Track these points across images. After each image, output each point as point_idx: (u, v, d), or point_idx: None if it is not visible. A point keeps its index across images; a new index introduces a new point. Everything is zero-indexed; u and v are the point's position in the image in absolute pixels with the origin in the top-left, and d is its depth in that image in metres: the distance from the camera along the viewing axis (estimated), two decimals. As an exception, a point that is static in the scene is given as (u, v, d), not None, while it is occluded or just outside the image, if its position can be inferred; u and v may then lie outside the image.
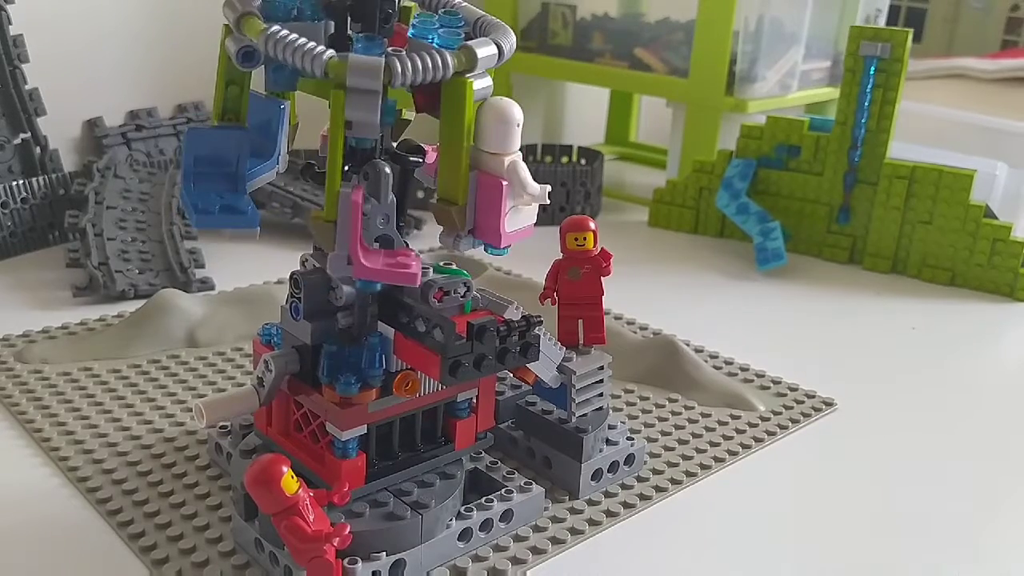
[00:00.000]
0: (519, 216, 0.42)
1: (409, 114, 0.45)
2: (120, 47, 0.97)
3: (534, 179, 0.42)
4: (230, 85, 0.41)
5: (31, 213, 0.87)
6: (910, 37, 0.91)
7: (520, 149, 0.43)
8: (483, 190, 0.41)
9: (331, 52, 0.36)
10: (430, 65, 0.37)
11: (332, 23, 0.41)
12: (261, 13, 0.39)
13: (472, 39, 0.40)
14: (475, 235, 0.42)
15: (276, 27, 0.37)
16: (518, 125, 0.41)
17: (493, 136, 0.40)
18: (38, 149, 0.91)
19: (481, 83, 0.40)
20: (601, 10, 1.16)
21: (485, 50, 0.39)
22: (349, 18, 0.41)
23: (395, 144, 0.45)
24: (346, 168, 0.43)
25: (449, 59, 0.38)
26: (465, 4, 0.43)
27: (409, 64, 0.37)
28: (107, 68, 0.98)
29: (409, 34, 0.41)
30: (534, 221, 0.44)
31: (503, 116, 0.40)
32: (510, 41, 0.41)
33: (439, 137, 0.42)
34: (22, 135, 0.90)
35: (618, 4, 1.17)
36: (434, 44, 0.40)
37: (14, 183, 0.86)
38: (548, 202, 0.43)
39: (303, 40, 0.36)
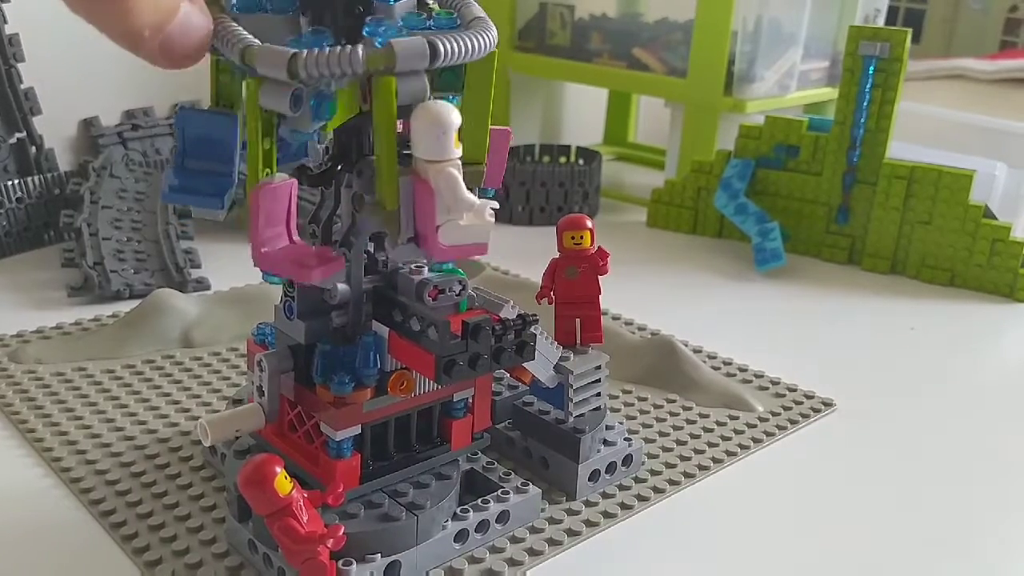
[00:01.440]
0: (463, 232, 0.38)
1: None
2: (116, 47, 0.97)
3: (473, 193, 0.39)
4: (221, 74, 0.41)
5: (26, 213, 0.86)
6: (909, 37, 0.90)
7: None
8: (418, 197, 0.38)
9: (251, 42, 0.36)
10: (337, 58, 0.35)
11: (308, 17, 0.41)
12: (230, 7, 0.39)
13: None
14: (417, 243, 0.39)
15: (224, 18, 0.37)
16: (445, 132, 0.37)
17: (423, 141, 0.38)
18: (33, 148, 0.91)
19: (409, 84, 0.37)
20: (599, 10, 1.16)
21: (408, 48, 0.36)
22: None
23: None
24: (338, 168, 0.43)
25: (360, 53, 0.35)
26: (469, 2, 0.42)
27: (316, 55, 0.35)
28: (103, 67, 0.97)
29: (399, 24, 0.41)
30: (484, 240, 0.39)
31: (430, 121, 0.37)
32: (462, 43, 0.37)
33: (463, 112, 0.39)
34: (17, 134, 0.90)
35: (616, 4, 1.17)
36: (431, 27, 0.39)
37: (9, 182, 0.85)
38: (492, 219, 0.39)
39: (233, 30, 0.36)
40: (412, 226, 0.39)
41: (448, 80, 0.41)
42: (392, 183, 0.38)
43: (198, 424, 0.43)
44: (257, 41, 0.36)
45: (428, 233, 0.38)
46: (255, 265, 0.40)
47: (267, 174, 0.39)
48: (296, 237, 0.40)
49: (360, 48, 0.36)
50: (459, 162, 0.38)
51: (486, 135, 0.42)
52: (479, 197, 0.39)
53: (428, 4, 0.41)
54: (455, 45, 0.37)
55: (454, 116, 0.37)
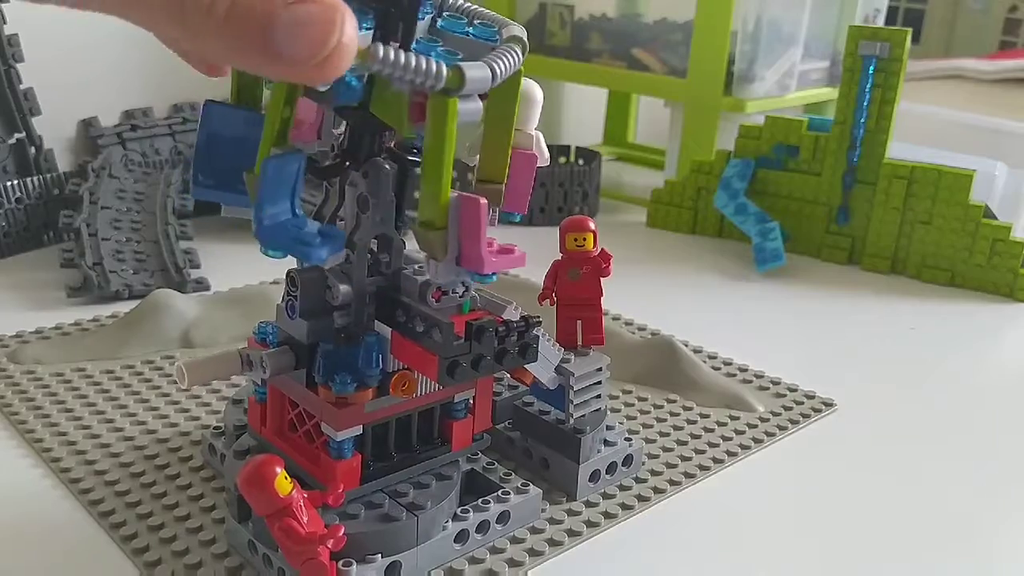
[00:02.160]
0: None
1: None
2: (115, 47, 0.97)
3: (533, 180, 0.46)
4: (285, 107, 0.40)
5: (25, 213, 0.86)
6: (909, 37, 0.90)
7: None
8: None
9: (446, 65, 0.35)
10: (513, 63, 0.38)
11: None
12: None
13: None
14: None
15: (379, 45, 0.35)
16: (539, 103, 0.45)
17: (531, 115, 0.45)
18: (33, 149, 0.91)
19: (467, 105, 0.37)
20: (599, 10, 1.16)
21: (476, 73, 0.36)
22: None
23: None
24: (346, 165, 0.42)
25: (445, 70, 0.35)
26: (499, 17, 0.42)
27: (502, 64, 0.37)
28: (102, 68, 0.97)
29: (439, 25, 0.42)
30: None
31: (529, 96, 0.44)
32: (508, 61, 0.38)
33: (422, 155, 0.39)
34: (17, 135, 0.90)
35: (616, 4, 1.17)
36: (470, 35, 0.40)
37: (9, 183, 0.85)
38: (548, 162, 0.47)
39: (412, 55, 0.35)
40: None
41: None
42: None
43: (175, 368, 0.43)
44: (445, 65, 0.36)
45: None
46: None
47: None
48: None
49: (444, 65, 0.35)
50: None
51: (506, 154, 0.43)
52: (501, 221, 0.44)
53: (442, 16, 0.42)
54: (506, 65, 0.38)
55: (539, 90, 0.45)
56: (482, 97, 0.39)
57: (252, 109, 0.41)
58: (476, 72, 0.36)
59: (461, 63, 0.36)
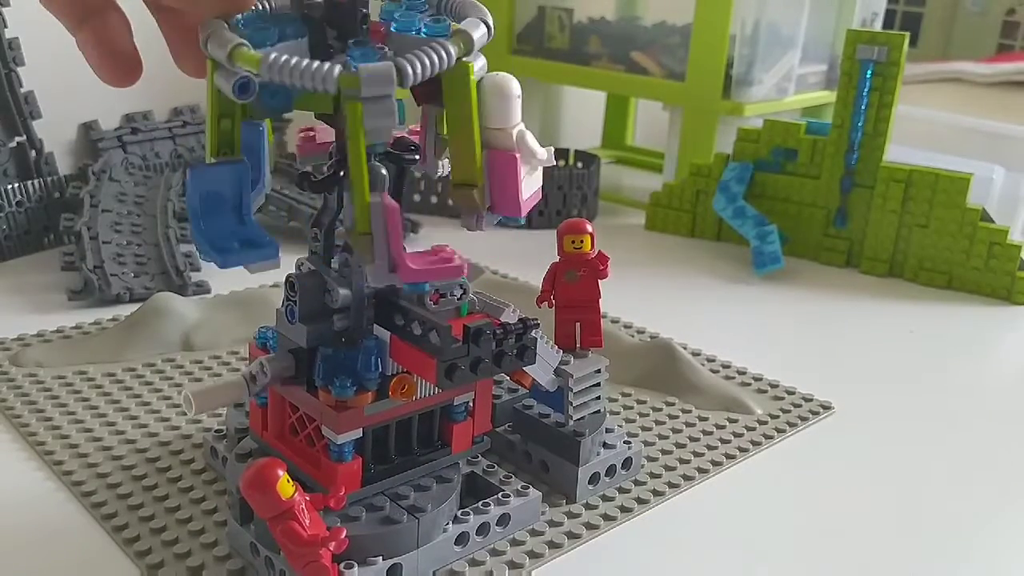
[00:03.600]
0: (530, 183, 0.43)
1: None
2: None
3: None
4: (222, 119, 0.40)
5: (26, 216, 0.86)
6: (906, 40, 0.91)
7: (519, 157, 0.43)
8: (497, 166, 0.41)
9: (339, 67, 0.36)
10: (436, 60, 0.37)
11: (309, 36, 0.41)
12: (249, 42, 0.38)
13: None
14: (493, 210, 0.42)
15: (272, 52, 0.36)
16: (518, 97, 0.41)
17: (496, 112, 0.41)
18: (33, 152, 0.91)
19: (478, 64, 0.40)
20: (598, 14, 1.16)
21: (478, 32, 0.39)
22: (327, 27, 0.41)
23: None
24: (340, 173, 0.43)
25: (452, 49, 0.37)
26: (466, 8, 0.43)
27: (418, 63, 0.36)
28: (103, 71, 0.97)
29: (392, 28, 0.41)
30: (540, 184, 0.44)
31: (503, 91, 0.41)
32: (489, 16, 0.41)
33: (447, 125, 0.42)
34: (17, 138, 0.90)
35: (615, 8, 1.17)
36: (423, 34, 0.40)
37: (9, 186, 0.85)
38: (554, 163, 0.44)
39: (306, 61, 0.36)
40: (489, 196, 0.41)
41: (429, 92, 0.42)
42: (480, 161, 0.41)
43: (183, 396, 0.44)
44: (339, 66, 0.36)
45: (508, 195, 0.41)
46: (403, 280, 0.39)
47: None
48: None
49: (449, 43, 0.37)
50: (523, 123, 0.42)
51: (472, 154, 0.41)
52: (494, 224, 0.43)
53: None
54: (422, 65, 0.37)
55: (515, 85, 0.41)
56: (418, 97, 0.42)
57: (235, 160, 0.41)
58: (376, 72, 0.36)
59: (461, 28, 0.37)
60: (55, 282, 0.79)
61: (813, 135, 0.96)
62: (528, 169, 0.42)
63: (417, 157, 0.45)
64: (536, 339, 0.45)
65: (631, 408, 0.63)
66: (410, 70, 0.36)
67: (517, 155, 0.41)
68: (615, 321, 0.77)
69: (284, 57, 0.36)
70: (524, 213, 0.43)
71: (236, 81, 0.37)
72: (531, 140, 0.42)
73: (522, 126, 0.42)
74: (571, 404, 0.52)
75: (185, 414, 0.59)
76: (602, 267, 0.54)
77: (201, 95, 0.42)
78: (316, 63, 0.35)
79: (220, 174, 0.40)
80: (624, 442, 0.55)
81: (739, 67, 1.03)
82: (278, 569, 0.42)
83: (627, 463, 0.54)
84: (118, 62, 0.40)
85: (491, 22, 0.40)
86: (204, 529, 0.47)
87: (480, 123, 0.41)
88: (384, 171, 0.42)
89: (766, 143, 0.98)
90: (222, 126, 0.40)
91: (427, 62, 0.37)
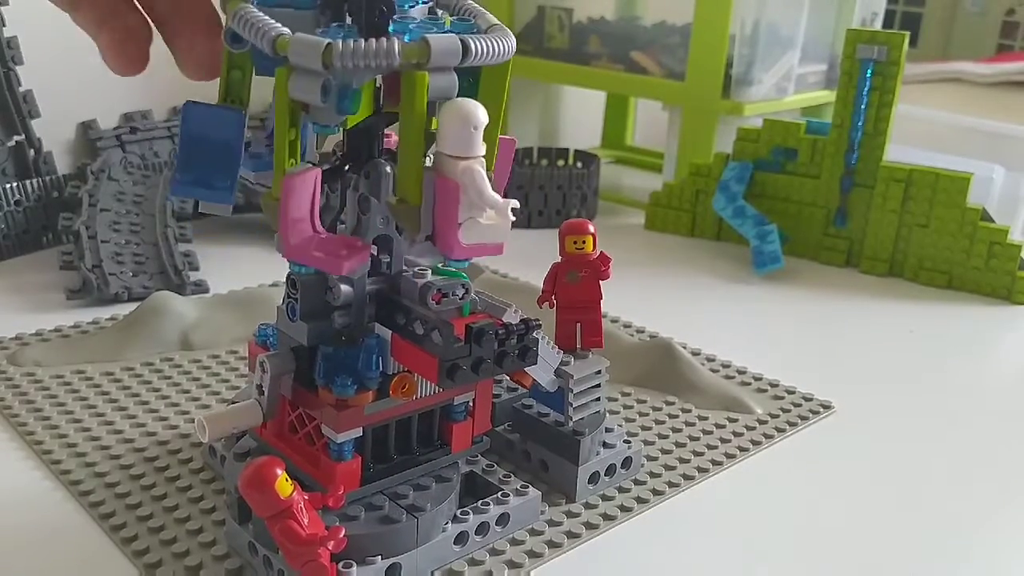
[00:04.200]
0: (483, 230, 0.39)
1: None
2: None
3: (507, 188, 0.41)
4: (232, 70, 0.41)
5: (25, 215, 0.86)
6: (906, 40, 0.91)
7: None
8: (440, 194, 0.39)
9: (283, 30, 0.36)
10: (374, 50, 0.35)
11: (328, 15, 0.41)
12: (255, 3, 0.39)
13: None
14: (433, 241, 0.40)
15: (248, 6, 0.37)
16: (475, 128, 0.38)
17: (450, 138, 0.38)
18: (32, 151, 0.91)
19: (440, 80, 0.38)
20: (597, 13, 1.16)
21: (443, 44, 0.37)
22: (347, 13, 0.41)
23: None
24: (346, 168, 0.43)
25: (396, 46, 0.36)
26: (483, 11, 0.42)
27: (352, 46, 0.35)
28: (101, 70, 0.96)
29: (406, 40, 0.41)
30: (503, 240, 0.40)
31: (461, 117, 0.38)
32: (490, 44, 0.38)
33: (399, 132, 0.40)
34: (16, 137, 0.90)
35: (614, 7, 1.17)
36: (445, 30, 0.40)
37: (8, 185, 0.85)
38: (514, 218, 0.39)
39: (261, 18, 0.36)
40: (431, 224, 0.39)
41: (464, 86, 0.41)
42: (418, 178, 0.39)
43: (196, 421, 0.43)
44: (288, 30, 0.36)
45: (448, 230, 0.39)
46: (283, 255, 0.39)
47: (292, 164, 0.39)
48: (320, 227, 0.40)
49: (396, 41, 0.36)
50: (483, 159, 0.39)
51: (496, 143, 0.42)
52: (425, 253, 0.41)
53: (437, 13, 0.42)
54: (485, 45, 0.37)
55: (482, 113, 0.38)
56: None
57: (235, 109, 0.41)
58: (443, 43, 0.37)
59: (429, 35, 0.37)
60: (53, 281, 0.79)
61: (813, 135, 0.96)
62: (476, 212, 0.38)
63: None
64: (537, 339, 0.45)
65: (631, 407, 0.63)
66: (474, 47, 0.37)
67: (459, 186, 0.38)
68: (615, 321, 0.77)
69: (248, 11, 0.36)
70: (460, 257, 0.40)
71: (227, 30, 0.38)
72: (481, 181, 0.38)
73: (475, 164, 0.39)
74: (571, 405, 0.52)
75: (185, 413, 0.59)
76: (604, 268, 0.53)
77: (198, 96, 0.42)
78: (268, 23, 0.36)
79: (215, 117, 0.40)
80: (624, 441, 0.54)
81: (739, 67, 1.03)
82: (276, 568, 0.42)
83: (627, 462, 0.54)
84: (128, 62, 0.42)
85: (481, 46, 0.39)
86: (202, 528, 0.47)
87: (437, 145, 0.39)
88: (388, 169, 0.42)
89: (766, 143, 0.97)
90: (232, 76, 0.41)
91: (363, 50, 0.36)
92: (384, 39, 0.36)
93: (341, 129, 0.42)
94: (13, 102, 0.89)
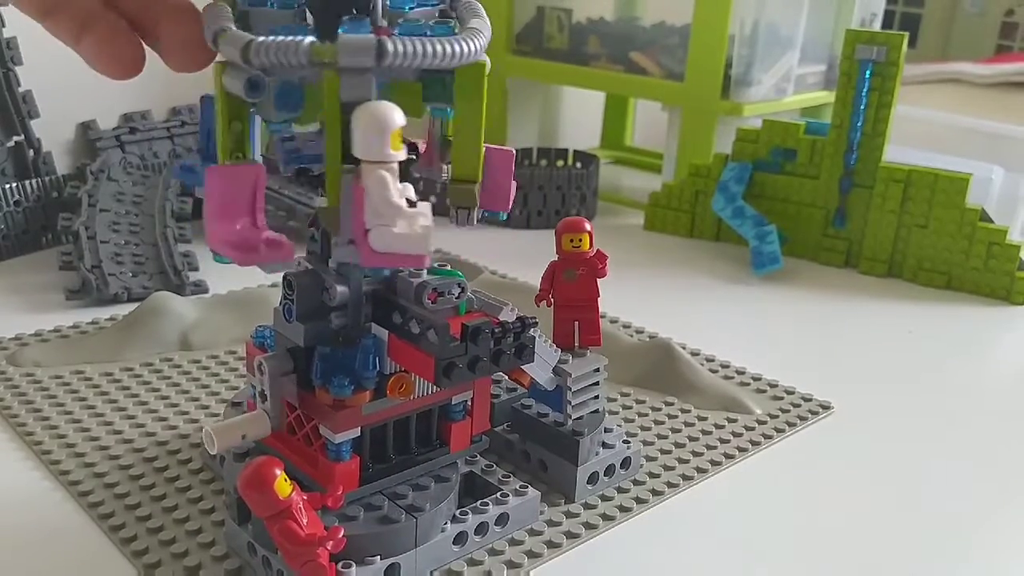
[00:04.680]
0: (395, 239, 0.37)
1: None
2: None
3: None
4: (233, 122, 0.40)
5: (24, 216, 0.86)
6: (905, 41, 0.91)
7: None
8: (355, 198, 0.37)
9: (311, 39, 0.36)
10: (284, 48, 0.35)
11: (309, 15, 0.41)
12: (241, 2, 0.39)
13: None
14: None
15: (257, 38, 0.36)
16: (383, 132, 0.36)
17: (360, 142, 0.37)
18: (31, 152, 0.91)
19: (354, 80, 0.37)
20: (597, 14, 1.16)
21: (353, 44, 0.36)
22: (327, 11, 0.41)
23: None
24: (344, 167, 0.42)
25: (305, 45, 0.35)
26: (477, 11, 0.42)
27: (401, 46, 0.35)
28: (101, 71, 0.97)
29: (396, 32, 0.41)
30: (421, 252, 0.37)
31: (368, 121, 0.36)
32: (416, 47, 0.37)
33: (453, 122, 0.42)
34: (15, 137, 0.90)
35: (614, 8, 1.17)
36: (426, 33, 0.39)
37: (7, 186, 0.85)
38: (428, 225, 0.37)
39: (282, 37, 0.36)
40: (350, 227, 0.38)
41: (435, 91, 0.41)
42: (335, 180, 0.38)
43: (204, 432, 0.43)
44: (232, 27, 0.37)
45: (358, 236, 0.37)
46: (362, 263, 0.38)
47: (237, 157, 0.39)
48: (262, 224, 0.39)
49: (307, 40, 0.36)
50: (395, 166, 0.37)
51: (477, 151, 0.42)
52: (483, 219, 0.41)
53: (451, 16, 0.42)
54: (410, 48, 0.36)
55: (393, 116, 0.36)
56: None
57: (249, 162, 0.41)
58: (353, 43, 0.36)
59: (341, 35, 0.37)
60: (53, 282, 0.79)
61: (812, 135, 0.96)
62: (387, 220, 0.36)
63: (416, 156, 0.44)
64: (534, 338, 0.45)
65: (630, 408, 0.63)
66: (391, 48, 0.35)
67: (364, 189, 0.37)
68: (614, 321, 0.77)
69: (261, 39, 0.36)
70: (369, 265, 0.38)
71: (247, 80, 0.37)
72: (385, 188, 0.36)
73: (382, 169, 0.37)
74: (570, 403, 0.52)
75: (185, 414, 0.59)
76: (601, 266, 0.54)
77: (198, 96, 0.42)
78: (289, 38, 0.35)
79: (238, 174, 0.40)
80: (623, 442, 0.54)
81: (738, 67, 1.03)
82: (275, 569, 0.42)
83: (626, 463, 0.54)
84: (122, 62, 0.41)
85: (489, 33, 0.39)
86: (201, 529, 0.47)
87: (352, 149, 0.38)
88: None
89: (765, 143, 0.98)
90: (233, 129, 0.40)
91: (412, 49, 0.36)
92: (297, 38, 0.35)
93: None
94: (12, 102, 0.89)
